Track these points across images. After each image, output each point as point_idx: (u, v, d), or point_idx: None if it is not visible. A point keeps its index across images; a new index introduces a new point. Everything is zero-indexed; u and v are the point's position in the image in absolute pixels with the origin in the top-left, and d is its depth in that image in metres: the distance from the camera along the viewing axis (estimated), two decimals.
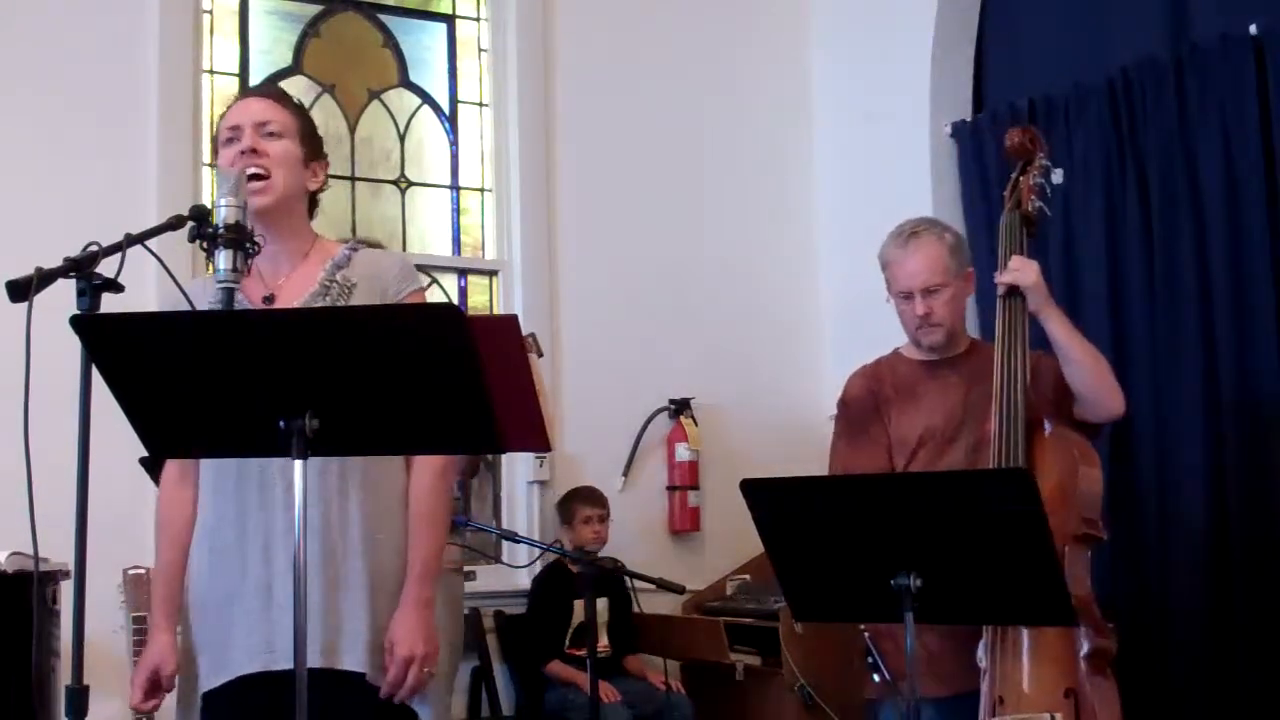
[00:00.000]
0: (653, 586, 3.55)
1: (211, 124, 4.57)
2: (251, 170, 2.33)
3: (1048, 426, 2.92)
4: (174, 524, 2.43)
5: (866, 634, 2.96)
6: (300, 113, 2.49)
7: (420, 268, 4.87)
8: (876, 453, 3.07)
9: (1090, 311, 4.31)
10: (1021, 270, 2.99)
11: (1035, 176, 3.14)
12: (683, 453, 5.06)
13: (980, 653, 2.83)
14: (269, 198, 2.36)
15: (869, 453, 3.07)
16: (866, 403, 3.10)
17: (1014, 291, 3.00)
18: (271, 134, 2.39)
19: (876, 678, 2.92)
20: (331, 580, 2.29)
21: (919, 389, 3.08)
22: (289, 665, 2.22)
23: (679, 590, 3.59)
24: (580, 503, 4.64)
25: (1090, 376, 2.99)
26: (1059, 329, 2.98)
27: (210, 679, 2.33)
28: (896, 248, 3.08)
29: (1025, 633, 2.79)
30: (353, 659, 2.29)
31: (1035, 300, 2.98)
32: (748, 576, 4.83)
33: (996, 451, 2.87)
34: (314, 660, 2.14)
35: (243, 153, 2.35)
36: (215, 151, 2.49)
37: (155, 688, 2.36)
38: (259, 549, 2.31)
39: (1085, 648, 2.79)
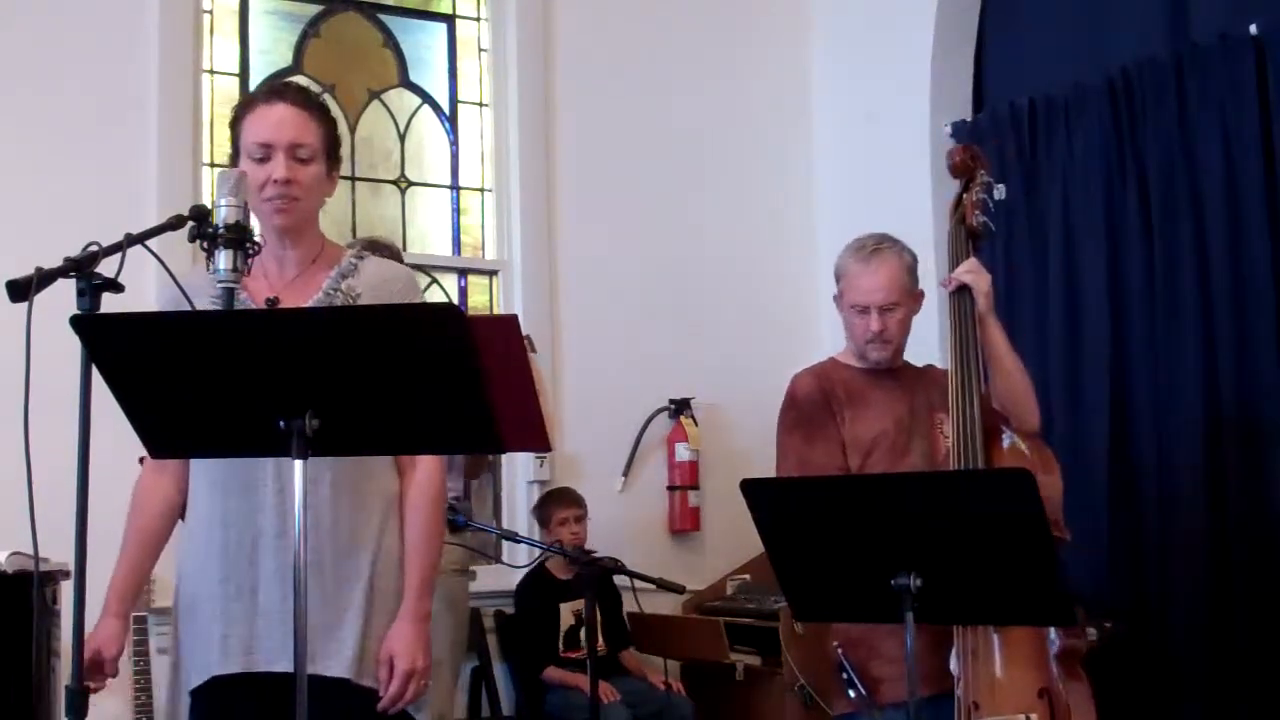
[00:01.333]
0: (653, 586, 3.55)
1: (212, 124, 4.58)
2: (283, 198, 2.32)
3: (1005, 436, 2.94)
4: (144, 510, 2.42)
5: (839, 649, 2.95)
6: (326, 120, 2.42)
7: (420, 268, 4.94)
8: (832, 450, 3.05)
9: (1090, 312, 4.32)
10: (976, 274, 3.03)
11: (978, 193, 3.18)
12: (683, 453, 5.07)
13: (952, 660, 2.82)
14: (293, 219, 2.36)
15: (825, 450, 3.05)
16: (818, 400, 3.10)
17: (963, 290, 3.02)
18: (303, 159, 2.34)
19: (852, 694, 2.91)
20: (317, 585, 2.26)
21: (867, 394, 3.10)
22: (268, 668, 2.24)
23: (679, 590, 3.59)
24: (556, 505, 4.62)
25: (1019, 388, 3.02)
26: (1000, 337, 3.02)
27: (193, 678, 2.33)
28: (858, 262, 3.09)
29: (995, 636, 2.80)
30: (337, 665, 2.28)
31: (981, 304, 3.01)
32: (748, 576, 4.83)
33: (957, 460, 2.87)
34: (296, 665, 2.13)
35: (275, 181, 2.31)
36: (235, 151, 2.40)
37: (96, 668, 2.30)
38: (245, 553, 2.31)
39: (1056, 647, 2.80)
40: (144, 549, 2.41)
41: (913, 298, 3.11)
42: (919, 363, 3.21)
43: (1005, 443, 2.93)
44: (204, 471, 2.37)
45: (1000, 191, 3.24)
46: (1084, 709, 2.82)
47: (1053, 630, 2.78)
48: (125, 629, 2.37)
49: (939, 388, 3.02)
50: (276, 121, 2.35)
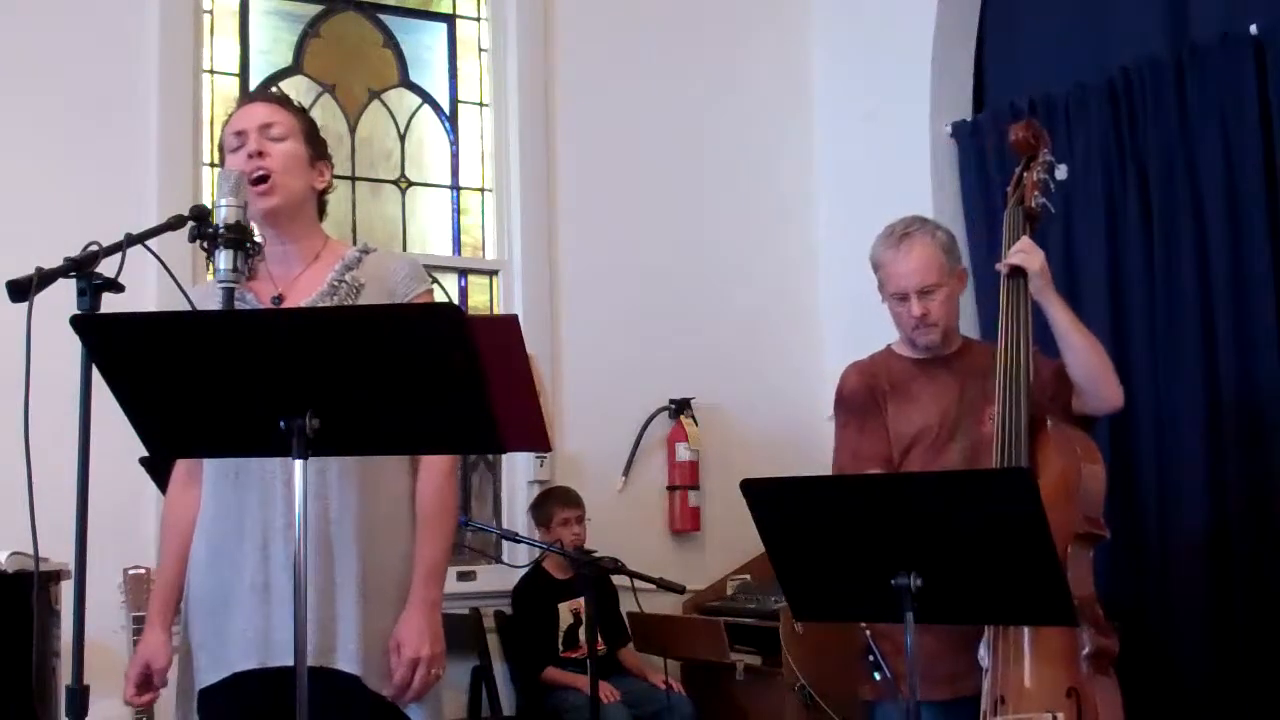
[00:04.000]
0: (653, 586, 3.55)
1: (212, 124, 4.58)
2: (258, 174, 2.34)
3: (1050, 423, 2.90)
4: (177, 525, 2.45)
5: (867, 632, 2.95)
6: (302, 115, 2.50)
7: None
8: (880, 441, 3.04)
9: (1090, 311, 4.30)
10: (1028, 253, 2.97)
11: (1039, 172, 3.11)
12: (683, 453, 5.06)
13: (982, 651, 2.82)
14: (276, 198, 2.37)
15: (873, 440, 3.05)
16: (864, 395, 3.08)
17: (1017, 272, 2.97)
18: (275, 137, 2.40)
19: (878, 676, 2.91)
20: (326, 579, 2.29)
21: (914, 386, 3.07)
22: (285, 662, 2.23)
23: (679, 590, 3.59)
24: (557, 504, 4.59)
25: (1092, 364, 2.97)
26: (1061, 315, 2.96)
27: (207, 675, 2.34)
28: (889, 249, 3.05)
29: (1026, 632, 2.78)
30: (346, 659, 2.29)
31: (1037, 284, 2.95)
32: (748, 576, 4.83)
33: (1000, 448, 2.85)
34: (309, 659, 2.14)
35: (250, 156, 2.36)
36: (222, 158, 2.49)
37: (147, 682, 2.37)
38: (257, 546, 2.32)
39: (1087, 647, 2.77)
40: (181, 562, 2.43)
41: (954, 276, 3.06)
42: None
43: (1050, 430, 2.89)
44: (216, 467, 2.38)
45: (1062, 171, 3.16)
46: (1112, 710, 2.79)
47: (1085, 630, 2.75)
48: (170, 640, 2.41)
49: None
50: (248, 113, 2.45)
